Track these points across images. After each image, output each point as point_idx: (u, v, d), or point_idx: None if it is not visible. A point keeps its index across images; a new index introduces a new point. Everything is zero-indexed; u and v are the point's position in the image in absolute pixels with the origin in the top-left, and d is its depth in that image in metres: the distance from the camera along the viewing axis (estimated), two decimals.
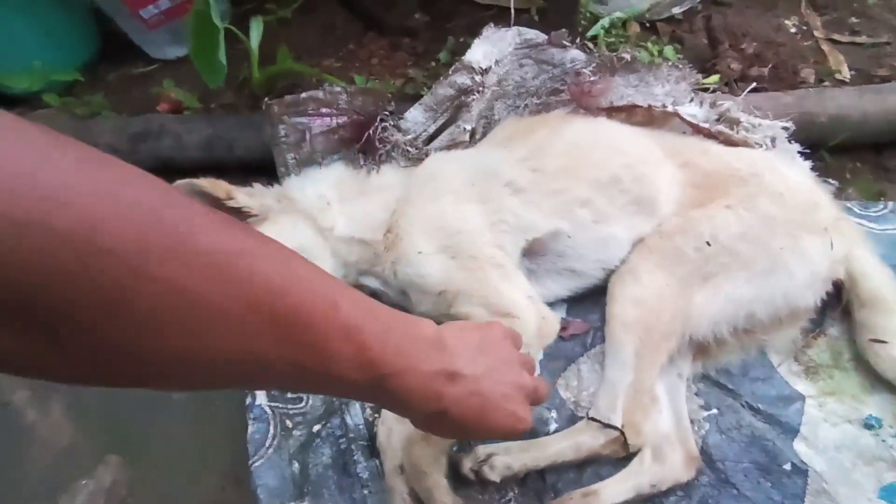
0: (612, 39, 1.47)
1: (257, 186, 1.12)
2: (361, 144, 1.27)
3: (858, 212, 1.21)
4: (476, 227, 1.03)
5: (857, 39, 1.54)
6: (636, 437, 0.95)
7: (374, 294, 1.16)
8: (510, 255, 1.04)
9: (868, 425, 0.98)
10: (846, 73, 1.46)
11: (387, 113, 1.22)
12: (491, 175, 1.08)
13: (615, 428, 0.96)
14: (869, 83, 1.44)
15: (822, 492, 0.88)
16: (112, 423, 1.10)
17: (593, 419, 0.98)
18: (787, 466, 0.91)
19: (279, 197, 1.10)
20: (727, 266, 0.98)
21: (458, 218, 1.04)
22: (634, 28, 1.53)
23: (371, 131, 1.24)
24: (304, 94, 1.21)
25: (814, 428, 0.98)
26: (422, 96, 1.33)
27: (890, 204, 1.21)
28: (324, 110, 1.23)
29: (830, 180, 1.30)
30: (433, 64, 1.53)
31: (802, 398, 1.01)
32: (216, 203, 1.06)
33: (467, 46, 1.30)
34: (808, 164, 1.27)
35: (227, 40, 1.45)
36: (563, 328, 1.11)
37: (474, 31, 1.49)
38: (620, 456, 0.96)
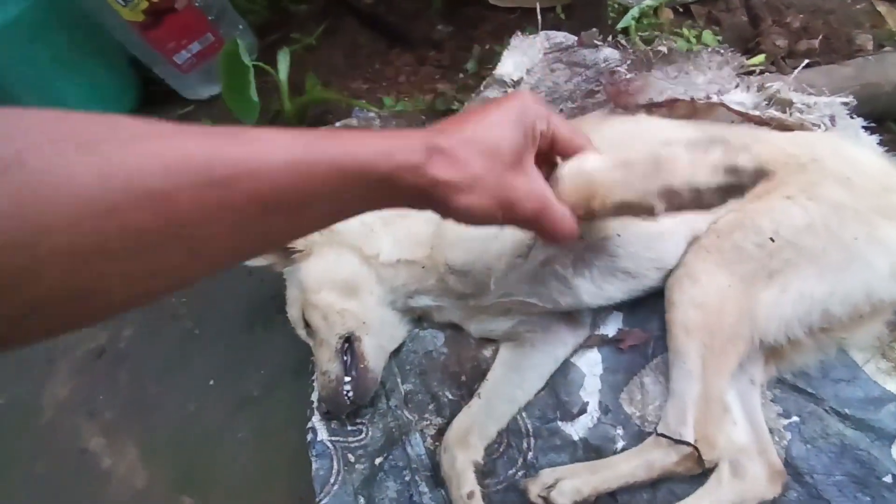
0: (646, 30, 1.41)
1: None
2: None
3: None
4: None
5: None
6: (711, 451, 0.90)
7: (421, 318, 1.14)
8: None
9: None
10: None
11: None
12: None
13: (687, 443, 0.91)
14: None
15: None
16: (181, 463, 1.13)
17: (663, 435, 0.93)
18: (888, 479, 0.84)
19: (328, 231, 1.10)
20: (794, 262, 0.91)
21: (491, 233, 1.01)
22: (667, 14, 1.46)
23: None
24: (338, 123, 1.21)
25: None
26: (453, 110, 1.32)
27: None
28: None
29: None
30: (461, 75, 1.51)
31: (893, 398, 0.93)
32: None
33: (494, 54, 1.28)
34: (875, 138, 1.17)
35: (256, 75, 1.48)
36: (622, 339, 1.07)
37: (500, 38, 1.46)
38: (696, 473, 0.91)
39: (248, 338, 1.29)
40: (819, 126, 1.14)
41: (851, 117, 1.18)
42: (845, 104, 1.15)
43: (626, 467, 0.92)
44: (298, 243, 1.08)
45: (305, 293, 1.07)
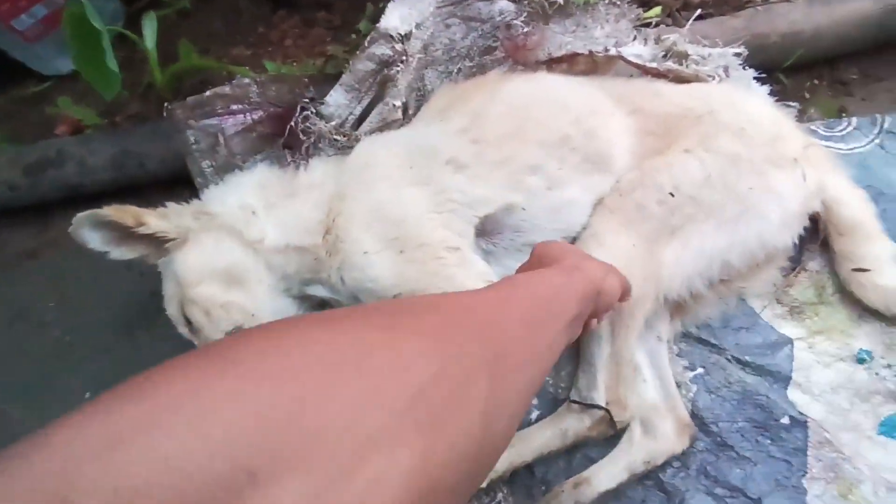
0: None
1: (171, 206, 0.99)
2: (285, 139, 1.14)
3: (824, 133, 1.14)
4: (421, 212, 0.93)
5: None
6: (622, 412, 0.89)
7: (323, 304, 1.05)
8: (463, 235, 0.94)
9: (860, 360, 0.93)
10: None
11: (306, 100, 1.09)
12: (429, 153, 0.96)
13: (599, 407, 0.89)
14: None
15: (825, 442, 0.83)
16: None
17: (575, 401, 0.91)
18: (786, 420, 0.86)
19: (197, 213, 0.97)
20: (693, 216, 0.90)
21: (400, 205, 0.93)
22: None
23: (293, 123, 1.10)
24: (208, 93, 1.07)
25: (806, 372, 0.92)
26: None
27: (854, 120, 1.14)
28: (235, 107, 1.09)
29: (790, 103, 1.22)
30: (353, 36, 1.38)
31: (790, 341, 0.96)
32: (127, 231, 0.93)
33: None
34: (766, 88, 1.19)
35: (121, 43, 1.29)
36: None
37: None
38: (609, 435, 0.89)
39: (129, 343, 1.14)
40: (714, 77, 1.13)
41: (744, 68, 1.19)
42: (738, 55, 1.15)
43: (539, 438, 0.89)
44: (170, 230, 0.95)
45: (183, 287, 0.94)
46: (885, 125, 1.11)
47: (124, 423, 0.23)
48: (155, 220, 0.94)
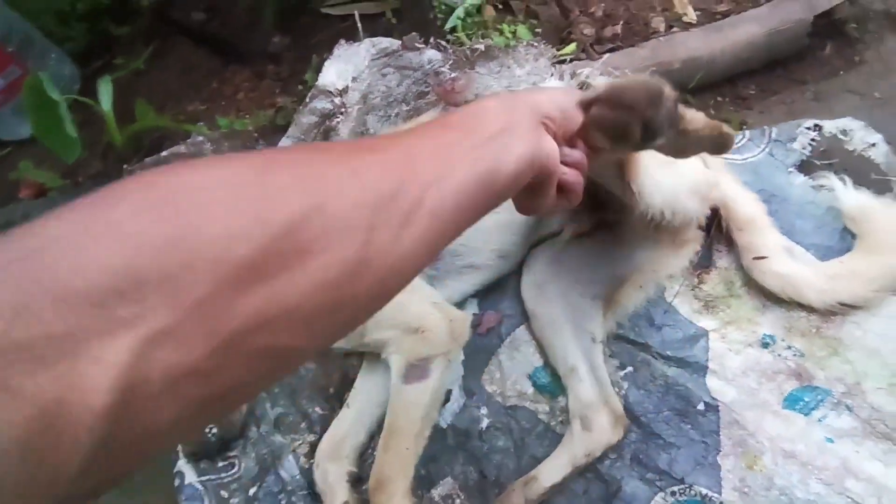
0: (471, 28, 1.48)
1: None
2: None
3: None
4: None
5: None
6: None
7: None
8: None
9: (764, 344, 1.05)
10: (692, 16, 1.53)
11: None
12: None
13: None
14: (712, 20, 1.51)
15: (734, 422, 0.94)
16: None
17: None
18: (701, 406, 0.97)
19: None
20: None
21: None
22: (490, 12, 1.54)
23: None
24: (164, 153, 1.16)
25: (720, 360, 1.04)
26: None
27: (748, 132, 1.29)
28: None
29: None
30: (300, 87, 1.50)
31: (705, 333, 1.07)
32: None
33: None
34: None
35: (80, 105, 1.37)
36: (478, 324, 1.13)
37: (336, 46, 1.46)
38: None
39: None
40: None
41: None
42: None
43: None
44: None
45: None
46: (773, 135, 1.26)
47: (13, 254, 0.26)
48: None
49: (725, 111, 1.46)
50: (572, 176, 0.57)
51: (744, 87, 1.48)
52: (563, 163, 0.56)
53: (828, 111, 1.41)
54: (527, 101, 0.53)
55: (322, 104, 1.13)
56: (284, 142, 1.18)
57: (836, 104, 1.42)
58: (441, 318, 1.00)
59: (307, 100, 1.13)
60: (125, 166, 1.17)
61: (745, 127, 1.42)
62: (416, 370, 0.96)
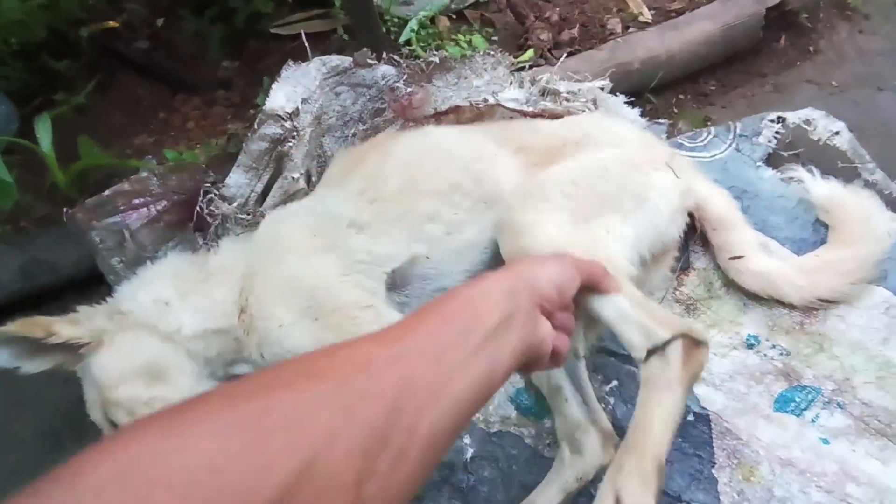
0: (426, 40, 1.45)
1: (82, 309, 0.98)
2: (194, 223, 1.16)
3: (689, 145, 1.26)
4: (331, 277, 0.96)
5: None
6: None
7: None
8: (375, 293, 0.98)
9: (749, 345, 1.02)
10: (648, 15, 1.53)
11: (208, 184, 1.12)
12: (331, 219, 1.01)
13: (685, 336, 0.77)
14: (667, 19, 1.51)
15: (726, 431, 0.91)
16: None
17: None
18: (691, 417, 0.93)
19: (110, 314, 0.97)
20: (600, 209, 0.93)
21: (310, 274, 0.96)
22: (444, 23, 1.51)
23: (198, 207, 1.13)
24: (107, 192, 1.08)
25: (707, 366, 1.00)
26: None
27: (713, 129, 1.27)
28: (136, 201, 1.11)
29: (660, 120, 1.36)
30: (252, 112, 1.43)
31: None
32: (38, 343, 0.92)
33: None
34: (637, 110, 1.31)
35: (19, 147, 1.28)
36: None
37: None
38: None
39: (58, 457, 1.10)
40: (584, 110, 1.24)
41: (615, 95, 1.31)
42: (602, 88, 1.27)
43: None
44: (83, 335, 0.95)
45: (103, 391, 0.93)
46: (738, 130, 1.24)
47: None
48: (66, 327, 0.93)
49: (688, 108, 1.45)
50: (562, 341, 0.59)
51: (704, 83, 1.48)
52: (554, 327, 0.58)
53: (788, 102, 1.41)
54: (527, 283, 0.55)
55: (272, 129, 1.07)
56: (235, 171, 1.11)
57: (796, 95, 1.43)
58: None
59: (255, 125, 1.07)
60: (65, 209, 1.09)
61: (709, 123, 1.41)
62: None
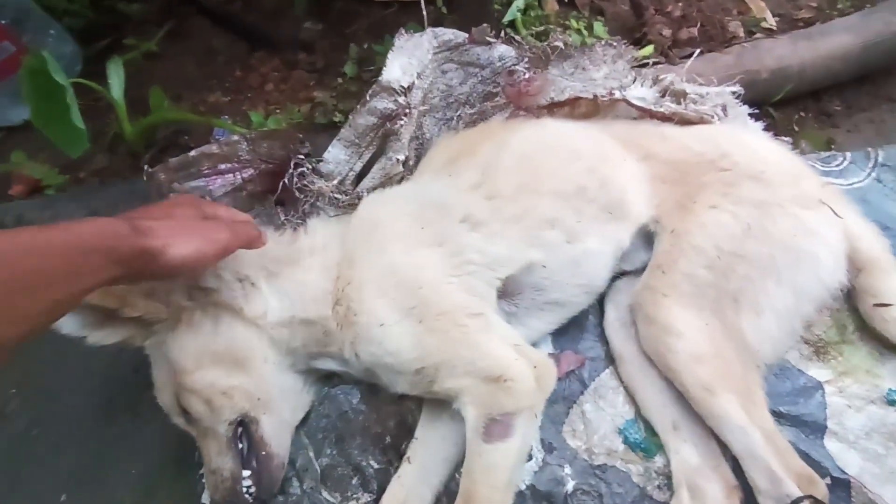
0: (533, 23, 1.33)
1: (158, 283, 0.89)
2: (278, 195, 1.06)
3: (822, 168, 1.15)
4: (438, 276, 0.86)
5: None
6: (812, 485, 0.78)
7: (331, 376, 0.97)
8: (486, 299, 0.88)
9: (891, 401, 0.91)
10: (772, 21, 1.40)
11: (301, 156, 1.02)
12: (442, 210, 0.91)
13: (803, 498, 0.77)
14: (794, 28, 1.39)
15: (870, 502, 0.81)
16: None
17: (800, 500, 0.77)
18: (828, 480, 0.83)
19: (190, 290, 0.87)
20: (749, 276, 0.86)
21: (416, 269, 0.86)
22: (552, 5, 1.39)
23: (286, 180, 1.03)
24: (193, 153, 0.98)
25: (840, 418, 0.90)
26: (335, 123, 1.14)
27: (848, 155, 1.16)
28: (223, 166, 1.01)
29: (783, 137, 1.24)
30: (339, 80, 1.33)
31: (820, 386, 0.94)
32: (109, 314, 0.83)
33: (373, 54, 1.11)
34: (760, 124, 1.20)
35: (81, 92, 1.18)
36: (556, 366, 0.98)
37: (378, 35, 1.31)
38: None
39: (109, 431, 1.02)
40: (713, 116, 1.13)
41: (740, 105, 1.20)
42: (734, 94, 1.16)
43: None
44: (160, 311, 0.85)
45: (179, 374, 0.85)
46: (879, 159, 1.13)
47: None
48: (142, 300, 0.84)
49: (809, 127, 1.33)
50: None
51: (829, 102, 1.35)
52: None
53: None
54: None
55: (384, 103, 0.96)
56: (335, 145, 1.01)
57: None
58: (526, 364, 0.84)
59: (367, 97, 0.96)
60: (146, 167, 0.99)
61: (832, 147, 1.30)
62: (498, 427, 0.80)
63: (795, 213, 0.90)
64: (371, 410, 0.96)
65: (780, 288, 0.87)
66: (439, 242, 0.88)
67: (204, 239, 0.70)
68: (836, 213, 0.91)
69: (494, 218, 0.90)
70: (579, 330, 1.02)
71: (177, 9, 1.52)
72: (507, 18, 1.35)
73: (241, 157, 1.00)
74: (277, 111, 1.29)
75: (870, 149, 1.16)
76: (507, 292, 0.92)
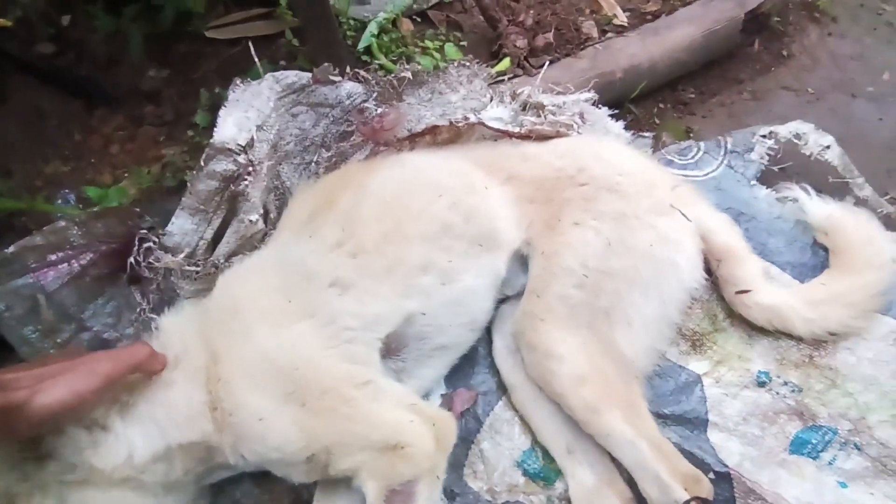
0: (389, 47, 1.29)
1: None
2: (129, 275, 0.97)
3: (680, 162, 1.19)
4: (314, 351, 0.80)
5: None
6: (697, 484, 0.81)
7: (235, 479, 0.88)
8: (369, 363, 0.84)
9: (761, 383, 0.97)
10: (623, 17, 1.44)
11: (144, 230, 0.93)
12: (307, 278, 0.85)
13: (691, 500, 0.79)
14: (643, 21, 1.43)
15: (749, 491, 0.85)
16: None
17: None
18: (711, 475, 0.86)
19: (21, 468, 0.69)
20: (617, 291, 0.89)
21: (288, 348, 0.79)
22: (407, 26, 1.36)
23: (133, 258, 0.94)
24: (11, 249, 0.87)
25: (719, 408, 0.94)
26: (185, 183, 1.05)
27: (702, 145, 1.21)
28: (52, 257, 0.90)
29: (644, 133, 1.28)
30: (190, 133, 1.23)
31: (699, 380, 0.98)
32: None
33: (225, 98, 1.03)
34: (621, 123, 1.23)
35: None
36: (450, 407, 0.96)
37: (228, 75, 1.22)
38: None
39: None
40: (572, 125, 1.14)
41: (598, 107, 1.22)
42: (589, 101, 1.17)
43: None
44: None
45: None
46: (729, 146, 1.19)
47: None
48: None
49: (669, 118, 1.38)
50: None
51: (683, 91, 1.41)
52: None
53: (767, 111, 1.37)
54: None
55: (222, 165, 0.89)
56: (179, 215, 0.92)
57: (774, 103, 1.39)
58: (423, 425, 0.79)
59: (202, 162, 0.89)
60: None
61: (690, 134, 1.35)
62: (399, 497, 0.76)
63: (651, 222, 0.93)
64: (263, 492, 0.90)
65: (646, 298, 0.90)
66: (309, 314, 0.83)
67: (78, 375, 0.64)
68: (686, 217, 0.94)
69: (363, 276, 0.86)
70: (470, 364, 1.00)
71: None
72: (361, 45, 1.30)
73: (73, 244, 0.90)
74: (125, 176, 1.18)
75: (720, 137, 1.21)
76: (391, 349, 0.88)
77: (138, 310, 0.92)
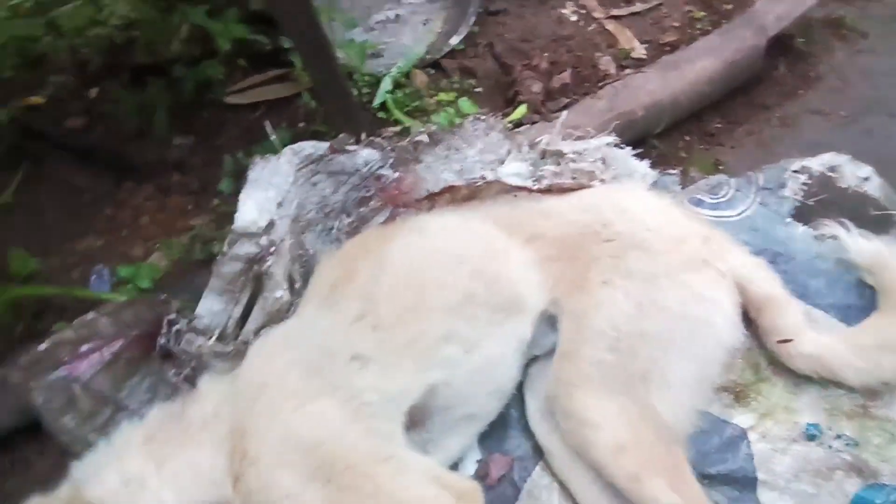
0: (403, 101, 1.29)
1: (35, 499, 0.80)
2: (160, 351, 0.98)
3: (710, 202, 1.15)
4: (338, 427, 0.81)
5: (634, 9, 1.50)
6: None
7: None
8: (392, 437, 0.83)
9: (811, 436, 0.92)
10: (641, 50, 1.41)
11: (173, 315, 0.95)
12: (327, 354, 0.85)
13: None
14: (661, 53, 1.40)
15: None
16: None
17: None
18: None
19: (71, 499, 0.79)
20: (652, 355, 0.86)
21: (312, 425, 0.81)
22: (421, 78, 1.36)
23: (163, 340, 0.95)
24: (44, 346, 0.90)
25: (767, 465, 0.90)
26: (214, 256, 1.07)
27: (732, 181, 1.17)
28: (84, 348, 0.92)
29: (670, 170, 1.24)
30: (215, 201, 1.25)
31: (745, 435, 0.93)
32: None
33: (250, 164, 1.05)
34: (646, 162, 1.20)
35: None
36: (485, 474, 0.94)
37: (251, 140, 1.24)
38: None
39: None
40: (594, 171, 1.12)
41: (621, 148, 1.19)
42: (610, 144, 1.15)
43: None
44: None
45: None
46: (760, 182, 1.14)
47: None
48: None
49: (696, 151, 1.35)
50: None
51: (709, 121, 1.37)
52: None
53: (798, 137, 1.32)
54: None
55: (245, 248, 0.91)
56: (207, 296, 0.94)
57: (805, 128, 1.34)
58: (447, 498, 0.79)
59: (226, 246, 0.90)
60: None
61: (720, 167, 1.31)
62: None
63: (683, 280, 0.90)
64: None
65: (683, 360, 0.87)
66: (332, 390, 0.83)
67: None
68: (721, 273, 0.91)
69: (384, 350, 0.85)
70: (503, 427, 0.98)
71: (30, 147, 1.41)
72: (377, 101, 1.31)
73: (102, 334, 0.92)
74: (156, 247, 1.21)
75: (750, 173, 1.17)
76: (416, 422, 0.87)
77: (174, 381, 0.93)
